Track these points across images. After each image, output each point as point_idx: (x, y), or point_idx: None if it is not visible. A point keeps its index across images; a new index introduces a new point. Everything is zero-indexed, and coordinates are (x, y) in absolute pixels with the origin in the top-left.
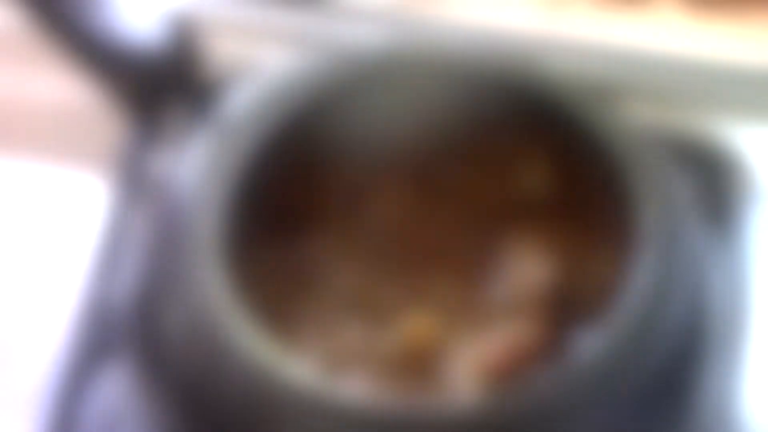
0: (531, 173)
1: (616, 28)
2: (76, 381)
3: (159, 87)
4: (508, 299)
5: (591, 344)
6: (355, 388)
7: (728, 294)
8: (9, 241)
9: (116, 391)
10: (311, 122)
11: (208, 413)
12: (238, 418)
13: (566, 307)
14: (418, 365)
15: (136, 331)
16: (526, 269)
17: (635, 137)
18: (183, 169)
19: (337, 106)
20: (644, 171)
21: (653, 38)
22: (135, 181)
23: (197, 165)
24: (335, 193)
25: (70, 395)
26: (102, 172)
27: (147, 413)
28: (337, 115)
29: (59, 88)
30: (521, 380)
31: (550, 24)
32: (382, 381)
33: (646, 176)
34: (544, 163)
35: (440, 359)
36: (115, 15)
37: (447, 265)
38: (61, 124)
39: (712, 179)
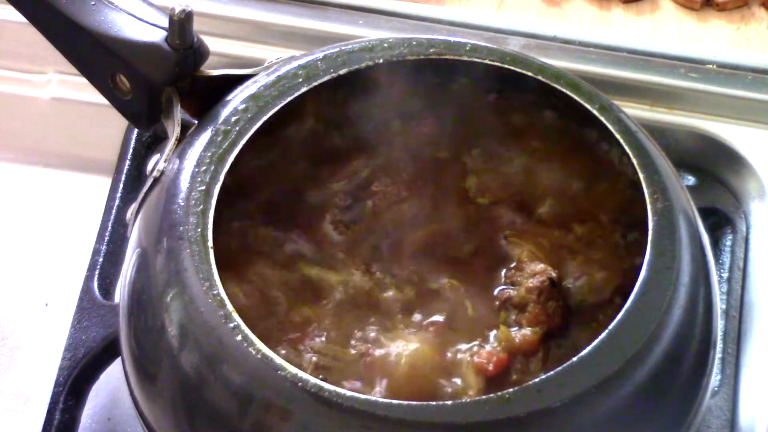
0: (533, 174)
1: (615, 28)
2: (76, 381)
3: (159, 86)
4: (510, 299)
5: (591, 344)
6: (354, 388)
7: (730, 293)
8: (9, 242)
9: (116, 390)
10: (309, 120)
11: (206, 412)
12: (236, 417)
13: (567, 307)
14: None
15: (135, 330)
16: (528, 269)
17: (636, 136)
18: (181, 168)
19: (335, 104)
20: (646, 170)
21: (653, 38)
22: (135, 181)
23: (194, 164)
24: (334, 191)
25: (70, 395)
26: (102, 172)
27: (146, 412)
28: (335, 113)
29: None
30: (521, 380)
31: (550, 24)
32: (381, 381)
33: (648, 176)
34: (546, 163)
35: (441, 359)
36: (115, 15)
37: (448, 265)
38: (61, 123)
39: (714, 179)
